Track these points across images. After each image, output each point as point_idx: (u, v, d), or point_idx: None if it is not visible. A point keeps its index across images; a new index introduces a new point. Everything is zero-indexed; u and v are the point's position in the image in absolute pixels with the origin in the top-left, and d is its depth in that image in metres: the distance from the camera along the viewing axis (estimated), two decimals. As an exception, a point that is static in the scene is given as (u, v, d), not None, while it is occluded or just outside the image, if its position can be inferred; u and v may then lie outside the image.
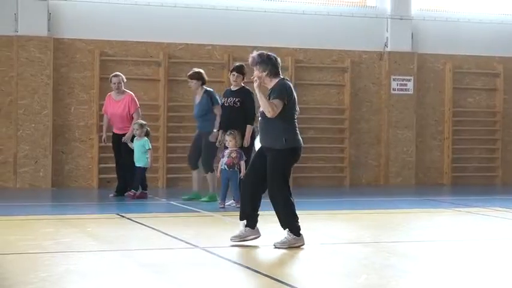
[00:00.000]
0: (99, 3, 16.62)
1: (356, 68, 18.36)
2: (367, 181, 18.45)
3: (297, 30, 17.90)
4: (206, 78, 14.12)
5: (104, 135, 14.72)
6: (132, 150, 14.13)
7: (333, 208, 13.69)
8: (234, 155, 12.89)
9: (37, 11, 16.17)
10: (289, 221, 9.06)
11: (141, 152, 14.15)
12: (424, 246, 9.68)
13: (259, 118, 9.27)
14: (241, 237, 9.18)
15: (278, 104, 8.94)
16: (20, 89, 16.01)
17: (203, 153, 13.77)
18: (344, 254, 8.94)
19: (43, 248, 8.87)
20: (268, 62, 9.07)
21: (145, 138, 14.21)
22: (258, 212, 9.23)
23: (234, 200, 13.05)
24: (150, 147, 14.25)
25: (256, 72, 9.12)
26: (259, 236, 9.22)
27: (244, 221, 9.21)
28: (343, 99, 18.33)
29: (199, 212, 12.50)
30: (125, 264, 8.12)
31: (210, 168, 13.70)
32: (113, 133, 14.55)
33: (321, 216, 12.45)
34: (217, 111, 13.59)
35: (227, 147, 13.02)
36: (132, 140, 14.19)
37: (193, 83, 14.03)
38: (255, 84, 9.06)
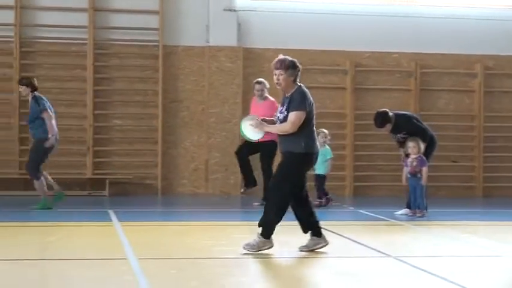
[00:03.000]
0: (287, 13, 16.86)
1: (549, 74, 17.73)
2: None
3: (487, 37, 17.46)
4: (36, 84, 13.28)
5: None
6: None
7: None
8: (415, 163, 12.76)
9: (227, 22, 16.59)
10: (269, 223, 8.95)
11: (322, 161, 14.23)
12: None
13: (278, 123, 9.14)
14: (309, 247, 9.13)
15: (296, 117, 8.86)
16: (211, 97, 16.47)
17: (30, 160, 13.31)
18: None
19: (238, 254, 9.04)
20: (296, 70, 9.02)
21: (327, 147, 14.29)
22: (315, 219, 9.20)
23: (417, 208, 12.84)
24: (332, 155, 14.33)
25: (279, 74, 8.95)
26: (327, 243, 9.20)
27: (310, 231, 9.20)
28: (535, 106, 17.74)
29: (388, 220, 12.42)
30: (320, 272, 8.17)
31: (36, 175, 13.16)
32: None
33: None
34: (46, 115, 13.07)
35: (407, 155, 12.98)
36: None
37: (22, 89, 13.34)
38: (256, 125, 9.08)
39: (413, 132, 13.00)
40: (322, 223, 11.57)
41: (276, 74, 8.99)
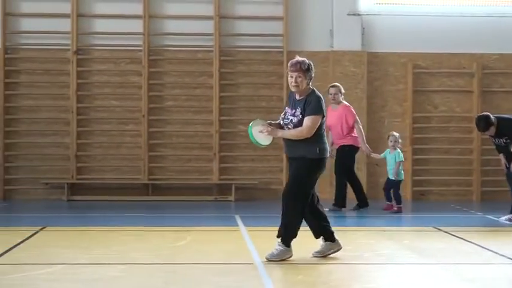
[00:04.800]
0: (411, 16, 16.71)
1: None
2: None
3: None
4: None
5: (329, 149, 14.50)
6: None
7: None
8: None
9: (351, 27, 16.57)
10: (288, 232, 8.83)
11: (395, 164, 13.96)
12: None
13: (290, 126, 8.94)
14: (323, 253, 9.04)
15: (313, 121, 8.76)
16: (337, 103, 16.45)
17: None
18: None
19: (364, 259, 9.03)
20: (312, 72, 8.92)
21: (398, 150, 14.01)
22: (328, 223, 9.09)
23: None
24: (402, 159, 14.06)
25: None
26: (340, 248, 9.11)
27: (322, 237, 9.10)
28: None
29: (518, 226, 12.16)
30: (448, 278, 8.07)
31: None
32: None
33: None
34: None
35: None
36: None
37: None
38: (269, 132, 8.85)
39: None
40: (450, 229, 11.51)
41: (292, 77, 8.87)
